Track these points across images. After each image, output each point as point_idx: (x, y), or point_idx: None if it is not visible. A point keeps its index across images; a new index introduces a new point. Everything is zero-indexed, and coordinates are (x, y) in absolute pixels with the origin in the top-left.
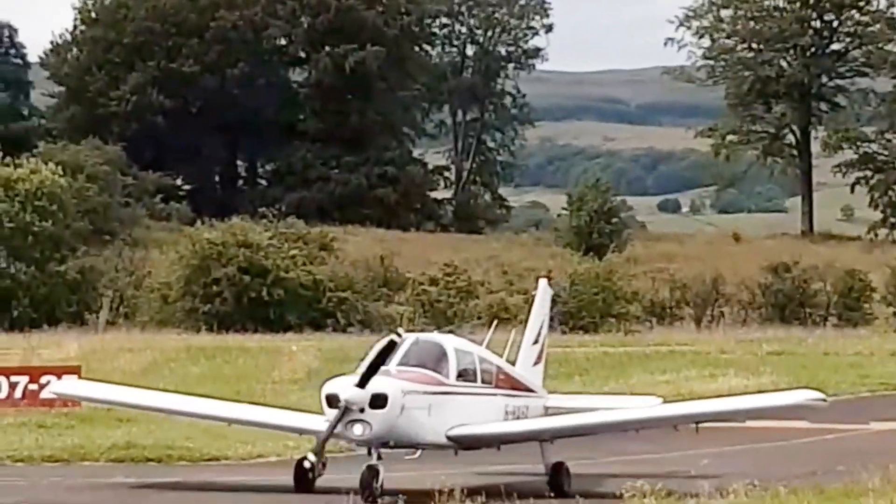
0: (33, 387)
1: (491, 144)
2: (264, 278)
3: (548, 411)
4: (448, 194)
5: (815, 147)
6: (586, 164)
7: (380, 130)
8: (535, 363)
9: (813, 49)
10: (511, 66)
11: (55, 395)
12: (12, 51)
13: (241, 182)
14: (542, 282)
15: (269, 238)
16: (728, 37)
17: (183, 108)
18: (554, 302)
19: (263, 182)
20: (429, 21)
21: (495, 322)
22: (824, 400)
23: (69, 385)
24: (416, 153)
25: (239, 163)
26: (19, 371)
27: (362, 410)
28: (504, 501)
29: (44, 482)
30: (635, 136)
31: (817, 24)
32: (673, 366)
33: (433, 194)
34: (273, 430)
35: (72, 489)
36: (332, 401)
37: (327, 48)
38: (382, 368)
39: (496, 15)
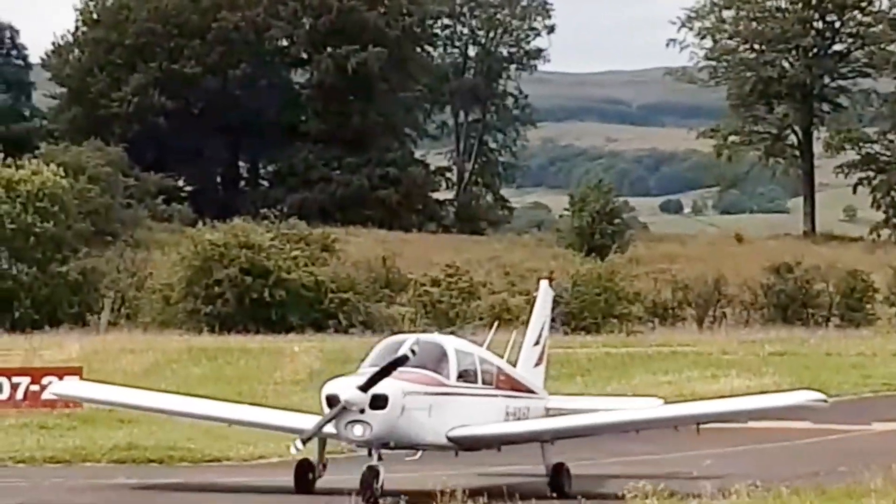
0: (35, 388)
1: (493, 145)
2: (266, 279)
3: (549, 412)
4: (450, 195)
5: (818, 148)
6: (588, 164)
7: (382, 131)
8: (536, 364)
9: (815, 50)
10: (513, 66)
11: (57, 396)
12: (14, 52)
13: (242, 183)
14: (543, 283)
15: (271, 239)
16: (730, 37)
17: (185, 110)
18: (555, 303)
19: (265, 183)
20: (430, 22)
21: (496, 323)
22: (825, 401)
23: (71, 386)
24: (417, 154)
25: (241, 164)
26: (21, 372)
27: (362, 411)
28: (506, 502)
29: (45, 483)
30: (637, 137)
31: (819, 24)
32: (675, 366)
33: (435, 195)
34: (274, 432)
35: (73, 490)
36: (333, 401)
37: (329, 49)
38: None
39: (498, 16)
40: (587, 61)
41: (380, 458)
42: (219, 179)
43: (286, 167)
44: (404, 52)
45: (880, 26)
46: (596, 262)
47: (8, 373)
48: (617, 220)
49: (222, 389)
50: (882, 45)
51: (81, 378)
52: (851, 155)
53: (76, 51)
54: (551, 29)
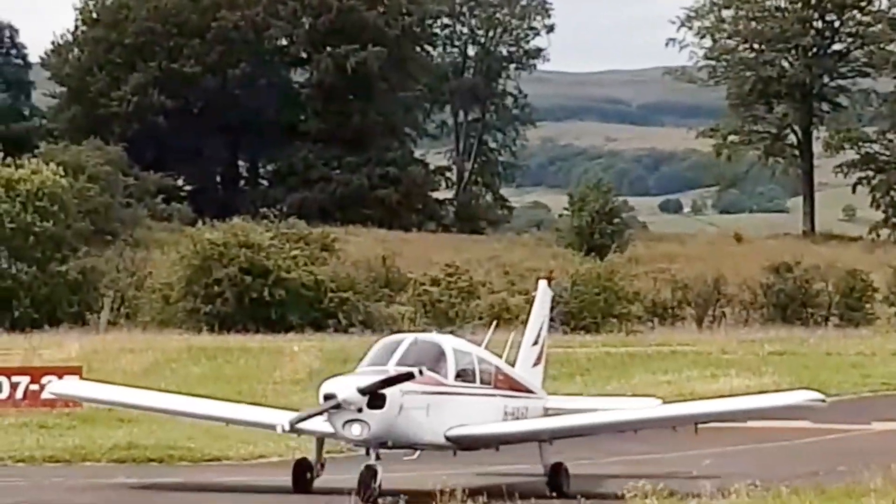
0: (34, 387)
1: (492, 145)
2: (266, 279)
3: (547, 412)
4: (449, 195)
5: (817, 147)
6: (588, 164)
7: (381, 131)
8: (535, 364)
9: (814, 49)
10: (512, 66)
11: (56, 395)
12: (13, 51)
13: (242, 182)
14: (542, 283)
15: (271, 238)
16: (729, 37)
17: (184, 109)
18: (555, 303)
19: (265, 182)
20: (430, 21)
21: (495, 322)
22: (823, 400)
23: (70, 385)
24: (417, 154)
25: (240, 163)
26: (20, 371)
27: (360, 410)
28: (506, 502)
29: (45, 483)
30: (637, 137)
31: (819, 24)
32: (674, 366)
33: (435, 195)
34: (273, 431)
35: (73, 490)
36: (330, 399)
37: (329, 48)
38: (381, 368)
39: (497, 15)
40: (587, 61)
41: (378, 458)
42: (218, 179)
43: (286, 166)
44: (404, 52)
45: (880, 26)
46: (595, 261)
47: (7, 372)
48: (616, 220)
49: (222, 389)
50: (881, 45)
51: (81, 377)
52: (851, 154)
53: (76, 50)
54: (551, 28)
